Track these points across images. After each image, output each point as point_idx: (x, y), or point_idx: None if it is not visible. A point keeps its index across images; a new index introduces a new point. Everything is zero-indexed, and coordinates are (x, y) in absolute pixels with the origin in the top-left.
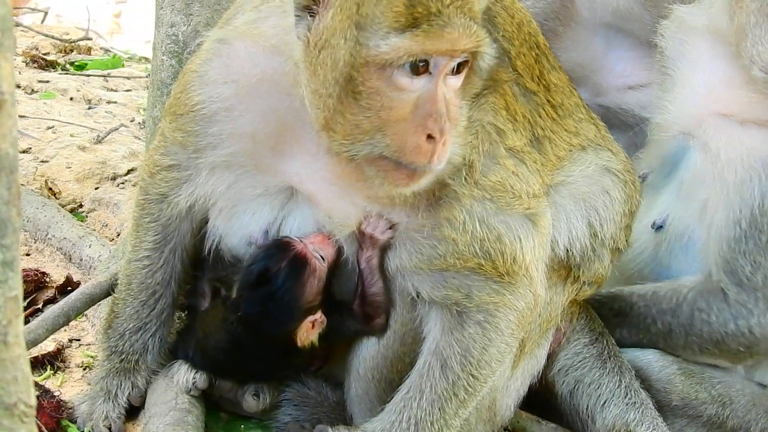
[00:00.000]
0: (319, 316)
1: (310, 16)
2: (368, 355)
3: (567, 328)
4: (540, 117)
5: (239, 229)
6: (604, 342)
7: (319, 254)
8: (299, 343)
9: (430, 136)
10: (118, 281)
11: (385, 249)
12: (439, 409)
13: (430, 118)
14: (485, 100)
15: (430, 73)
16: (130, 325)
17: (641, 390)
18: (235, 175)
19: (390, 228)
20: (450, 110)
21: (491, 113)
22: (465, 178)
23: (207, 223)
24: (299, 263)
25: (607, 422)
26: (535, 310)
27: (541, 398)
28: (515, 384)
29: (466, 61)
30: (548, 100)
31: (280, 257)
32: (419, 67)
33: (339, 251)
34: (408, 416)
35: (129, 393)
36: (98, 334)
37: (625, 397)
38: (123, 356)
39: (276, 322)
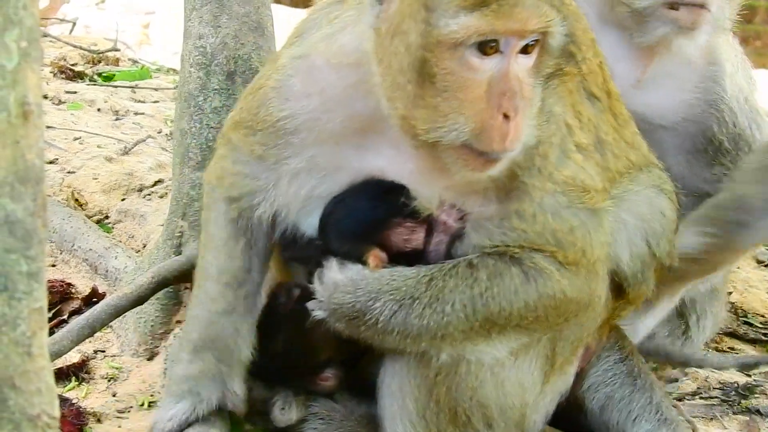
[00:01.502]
0: (383, 254)
1: (380, 4)
2: (399, 374)
3: (597, 347)
4: (603, 122)
5: (313, 222)
6: (635, 360)
7: (425, 238)
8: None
9: (506, 116)
10: (194, 279)
11: (454, 238)
12: (455, 284)
13: (504, 96)
14: (555, 90)
15: (502, 53)
16: (219, 308)
17: (672, 407)
18: (317, 177)
19: (462, 218)
20: (524, 90)
21: (560, 105)
22: (539, 170)
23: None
24: (413, 213)
25: None
26: (587, 311)
27: (568, 415)
28: (545, 401)
29: (537, 40)
30: (610, 108)
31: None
32: (488, 47)
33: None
34: (426, 273)
35: (220, 398)
36: (182, 334)
37: (657, 413)
38: (216, 345)
39: (357, 227)
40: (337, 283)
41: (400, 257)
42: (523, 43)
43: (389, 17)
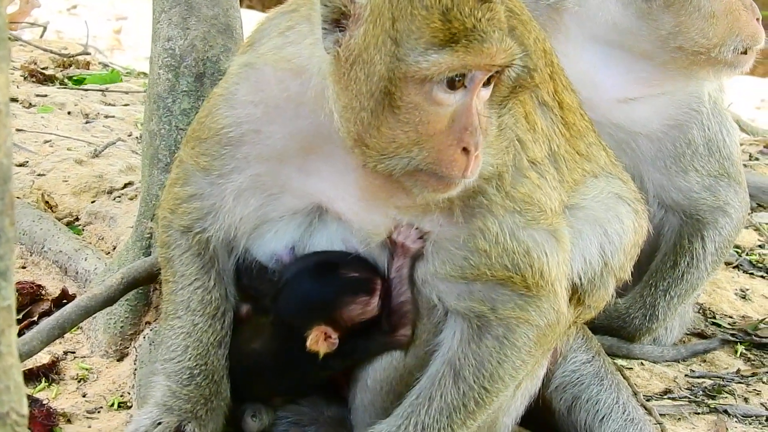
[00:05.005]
0: (334, 336)
1: (340, 30)
2: (379, 366)
3: (564, 348)
4: (555, 134)
5: (262, 246)
6: (601, 360)
7: (379, 303)
8: (308, 344)
9: (465, 149)
10: (166, 317)
11: (415, 259)
12: (447, 418)
13: (466, 131)
14: (509, 103)
15: (466, 87)
16: (212, 339)
17: (639, 406)
18: (261, 198)
19: (420, 237)
20: (481, 122)
21: (512, 120)
22: (497, 188)
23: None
24: (365, 287)
25: None
26: (556, 328)
27: (537, 415)
28: (515, 404)
29: (498, 72)
30: (562, 118)
31: (358, 269)
32: (456, 82)
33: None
34: (415, 422)
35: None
36: (161, 363)
37: (623, 413)
38: (209, 376)
39: (305, 307)
40: None
41: (357, 327)
42: (487, 76)
43: (351, 45)
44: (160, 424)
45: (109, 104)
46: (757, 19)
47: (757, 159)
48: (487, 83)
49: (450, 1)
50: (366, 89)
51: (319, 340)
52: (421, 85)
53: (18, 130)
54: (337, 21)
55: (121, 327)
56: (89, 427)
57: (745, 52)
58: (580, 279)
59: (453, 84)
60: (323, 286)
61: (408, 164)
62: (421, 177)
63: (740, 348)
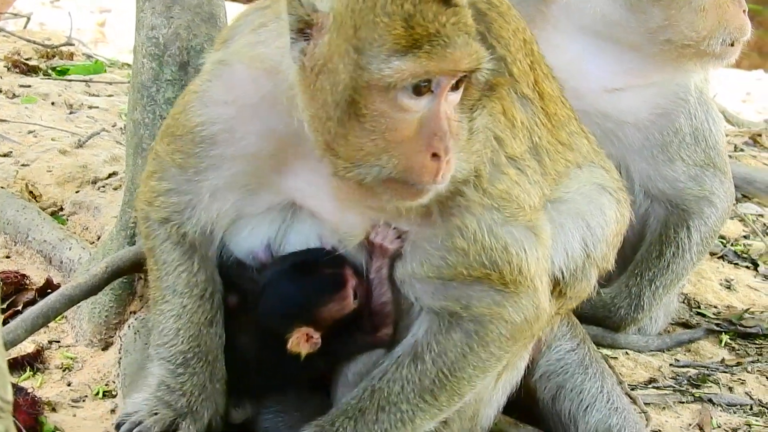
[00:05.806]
0: (316, 336)
1: (305, 39)
2: (360, 362)
3: (548, 337)
4: (537, 126)
5: (239, 242)
6: (586, 348)
7: (354, 293)
8: (289, 346)
9: (435, 155)
10: (154, 304)
11: (394, 258)
12: (401, 388)
13: (435, 137)
14: (482, 104)
15: (432, 92)
16: (202, 318)
17: (623, 395)
18: (237, 194)
19: (399, 237)
20: (451, 126)
21: (488, 118)
22: (474, 186)
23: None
24: (338, 282)
25: (590, 427)
26: (537, 323)
27: (521, 403)
28: (497, 395)
29: (465, 76)
30: (543, 109)
31: (329, 265)
32: (422, 88)
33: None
34: (367, 387)
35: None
36: (154, 348)
37: (608, 402)
38: (203, 357)
39: (284, 312)
40: None
41: (338, 326)
42: (454, 81)
43: (316, 54)
44: (156, 414)
45: (93, 95)
46: (744, 12)
47: (742, 150)
48: (456, 87)
49: (413, 7)
50: (332, 99)
51: (301, 342)
52: (385, 92)
53: (2, 120)
54: (302, 30)
55: (106, 316)
56: (74, 415)
57: (732, 44)
58: (562, 273)
59: (419, 90)
60: (298, 289)
61: (379, 173)
62: (392, 185)
63: (725, 338)
